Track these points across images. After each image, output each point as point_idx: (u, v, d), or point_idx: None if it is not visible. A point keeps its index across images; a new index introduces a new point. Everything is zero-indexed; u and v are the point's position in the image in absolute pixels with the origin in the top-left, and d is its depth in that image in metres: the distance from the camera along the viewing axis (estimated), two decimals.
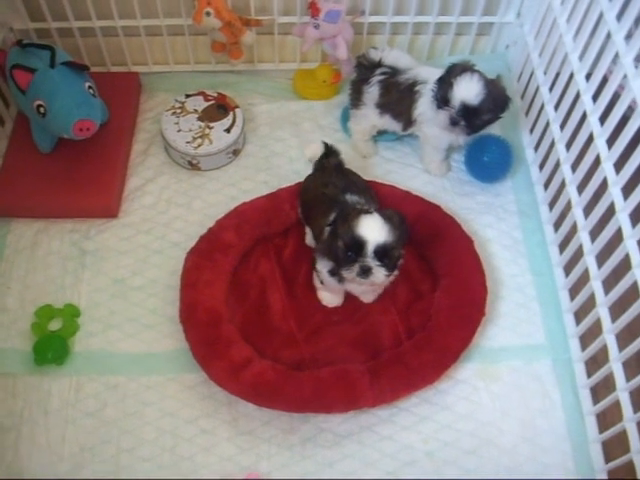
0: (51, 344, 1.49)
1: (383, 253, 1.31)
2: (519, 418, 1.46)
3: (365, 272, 1.32)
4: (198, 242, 1.58)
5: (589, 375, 1.48)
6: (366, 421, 1.44)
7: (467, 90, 1.54)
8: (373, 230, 1.31)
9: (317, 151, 1.64)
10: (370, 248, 1.30)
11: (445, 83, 1.57)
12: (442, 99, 1.58)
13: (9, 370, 1.49)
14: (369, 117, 1.75)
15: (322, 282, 1.50)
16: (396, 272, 1.41)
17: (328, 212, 1.42)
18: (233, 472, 1.39)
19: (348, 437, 1.43)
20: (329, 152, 1.63)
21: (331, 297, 1.56)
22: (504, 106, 1.61)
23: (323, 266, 1.45)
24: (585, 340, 1.51)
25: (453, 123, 1.58)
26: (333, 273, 1.42)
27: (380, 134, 1.83)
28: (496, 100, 1.58)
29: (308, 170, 1.65)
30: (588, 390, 1.48)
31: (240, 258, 1.60)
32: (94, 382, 1.48)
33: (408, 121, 1.71)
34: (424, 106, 1.66)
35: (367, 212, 1.36)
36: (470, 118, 1.57)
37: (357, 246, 1.31)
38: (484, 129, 1.64)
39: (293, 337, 1.52)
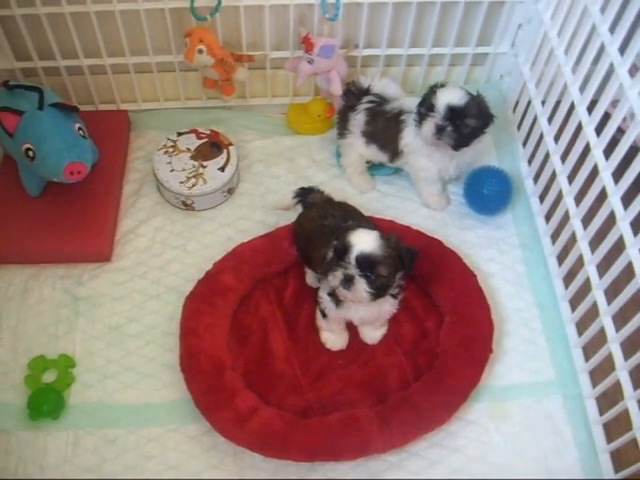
0: (46, 397, 1.44)
1: (367, 264, 1.28)
2: (531, 458, 1.43)
3: (347, 281, 1.29)
4: (196, 286, 1.54)
5: (601, 411, 1.45)
6: (375, 467, 1.40)
7: (451, 94, 1.54)
8: (361, 239, 1.30)
9: (284, 202, 1.66)
10: (353, 254, 1.28)
11: (428, 94, 1.57)
12: (426, 107, 1.56)
13: (2, 426, 1.44)
14: (355, 147, 1.73)
15: (324, 315, 1.47)
16: (389, 298, 1.39)
17: (330, 241, 1.38)
18: None
19: None
20: (308, 191, 1.62)
21: (334, 339, 1.52)
22: (488, 117, 1.58)
23: (324, 289, 1.43)
24: (594, 375, 1.48)
25: (439, 130, 1.55)
26: (331, 294, 1.40)
27: (376, 168, 1.80)
28: (480, 107, 1.57)
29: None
30: (601, 427, 1.44)
31: (240, 301, 1.56)
32: (92, 436, 1.43)
33: (395, 152, 1.69)
34: (410, 136, 1.65)
35: (367, 228, 1.36)
36: (456, 122, 1.54)
37: (343, 251, 1.29)
38: (470, 143, 1.60)
39: (298, 382, 1.48)
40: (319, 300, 1.46)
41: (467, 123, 1.55)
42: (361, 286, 1.29)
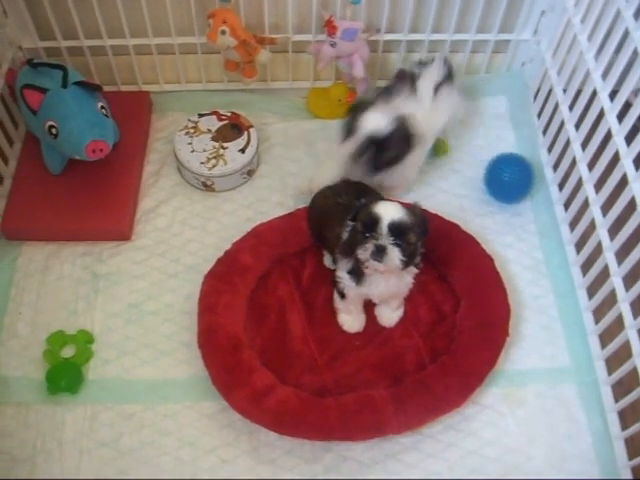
0: (64, 372, 1.46)
1: (398, 231, 1.29)
2: (546, 443, 1.43)
3: (380, 251, 1.29)
4: (215, 265, 1.55)
5: (616, 398, 1.45)
6: (390, 449, 1.41)
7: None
8: (388, 209, 1.31)
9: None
10: (384, 224, 1.28)
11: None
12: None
13: (21, 399, 1.45)
14: None
15: (342, 296, 1.48)
16: (414, 269, 1.40)
17: (345, 219, 1.39)
18: None
19: (373, 466, 1.39)
20: None
21: (352, 322, 1.52)
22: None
23: (343, 268, 1.43)
24: (610, 363, 1.48)
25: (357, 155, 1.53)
26: (351, 272, 1.40)
27: None
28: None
29: None
30: (616, 414, 1.44)
31: (258, 281, 1.57)
32: (109, 411, 1.44)
33: None
34: None
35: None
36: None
37: (372, 223, 1.29)
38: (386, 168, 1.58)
39: (314, 362, 1.48)
40: (337, 281, 1.46)
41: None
42: (394, 255, 1.29)
